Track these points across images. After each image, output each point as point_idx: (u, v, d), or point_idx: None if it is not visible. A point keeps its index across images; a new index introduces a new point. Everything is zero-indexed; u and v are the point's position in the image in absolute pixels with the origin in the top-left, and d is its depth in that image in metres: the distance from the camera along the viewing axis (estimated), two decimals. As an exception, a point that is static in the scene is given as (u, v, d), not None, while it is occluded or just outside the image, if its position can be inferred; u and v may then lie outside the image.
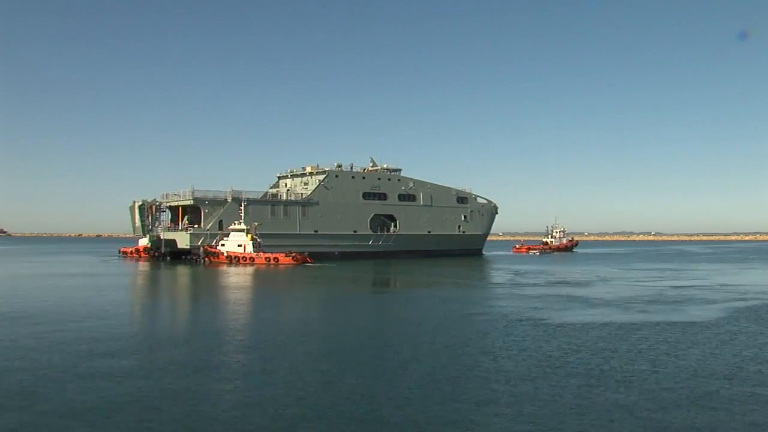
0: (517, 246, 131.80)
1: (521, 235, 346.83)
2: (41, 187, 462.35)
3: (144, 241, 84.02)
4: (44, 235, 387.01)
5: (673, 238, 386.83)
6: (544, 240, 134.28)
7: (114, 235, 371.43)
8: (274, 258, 70.11)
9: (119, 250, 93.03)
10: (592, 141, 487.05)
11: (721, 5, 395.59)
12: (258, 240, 73.90)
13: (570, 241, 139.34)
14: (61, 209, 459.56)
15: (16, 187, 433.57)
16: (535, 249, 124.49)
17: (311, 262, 71.31)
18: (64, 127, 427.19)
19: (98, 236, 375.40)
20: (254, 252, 71.83)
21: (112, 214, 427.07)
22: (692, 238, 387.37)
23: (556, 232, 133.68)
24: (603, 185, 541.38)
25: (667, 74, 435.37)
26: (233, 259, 71.58)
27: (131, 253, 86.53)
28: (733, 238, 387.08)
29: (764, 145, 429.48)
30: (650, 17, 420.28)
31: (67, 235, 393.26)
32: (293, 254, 71.50)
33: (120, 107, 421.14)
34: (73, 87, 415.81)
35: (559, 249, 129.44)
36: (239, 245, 72.97)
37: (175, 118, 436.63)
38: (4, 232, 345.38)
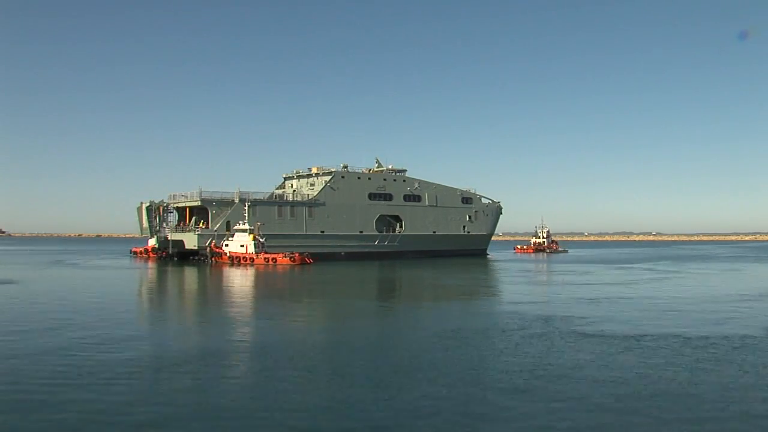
0: (519, 247, 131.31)
1: (521, 235, 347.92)
2: (41, 187, 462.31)
3: (153, 241, 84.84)
4: (44, 236, 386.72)
5: (673, 239, 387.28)
6: (534, 240, 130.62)
7: (114, 235, 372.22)
8: (273, 258, 70.54)
9: (131, 250, 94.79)
10: (592, 141, 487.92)
11: (721, 5, 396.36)
12: (261, 240, 74.12)
13: (553, 242, 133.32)
14: (61, 209, 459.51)
15: (16, 187, 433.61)
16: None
17: (311, 263, 71.56)
18: (64, 127, 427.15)
19: (98, 236, 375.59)
20: (255, 252, 72.16)
21: (111, 214, 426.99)
22: (692, 238, 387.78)
23: (544, 232, 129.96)
24: (603, 185, 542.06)
25: (667, 74, 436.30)
26: (235, 260, 72.00)
27: (141, 253, 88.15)
28: (733, 238, 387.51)
29: (764, 145, 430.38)
30: (650, 17, 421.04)
31: (66, 235, 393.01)
32: (292, 254, 71.74)
33: (122, 107, 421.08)
34: (74, 87, 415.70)
35: (544, 249, 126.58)
36: (242, 245, 73.31)
37: (179, 119, 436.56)
38: (3, 232, 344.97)
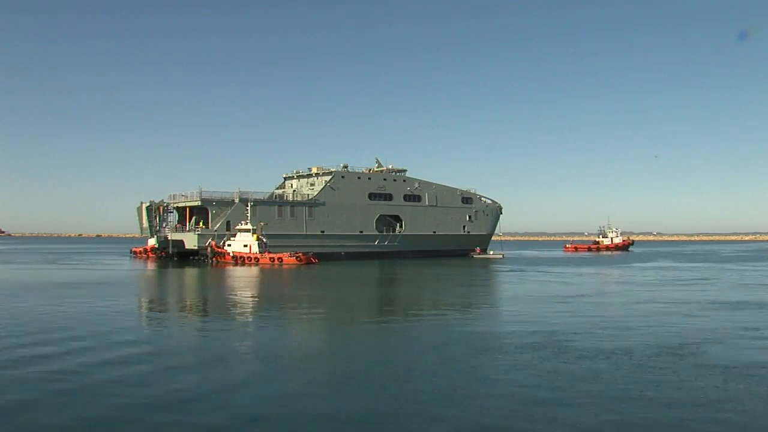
0: (568, 245, 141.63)
1: (521, 235, 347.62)
2: (41, 187, 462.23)
3: (153, 241, 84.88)
4: (44, 236, 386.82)
5: (673, 238, 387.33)
6: (596, 240, 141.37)
7: (114, 235, 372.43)
8: (278, 258, 70.82)
9: (130, 250, 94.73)
10: (592, 141, 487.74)
11: (721, 5, 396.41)
12: (264, 240, 74.48)
13: (626, 240, 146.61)
14: (61, 209, 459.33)
15: (16, 187, 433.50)
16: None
17: (316, 262, 72.18)
18: (64, 127, 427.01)
19: (98, 236, 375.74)
20: (259, 252, 72.40)
21: (111, 214, 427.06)
22: (692, 238, 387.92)
23: (611, 233, 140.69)
24: (603, 185, 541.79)
25: (667, 74, 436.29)
26: (239, 259, 72.14)
27: (140, 253, 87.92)
28: (733, 238, 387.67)
29: (764, 145, 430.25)
30: (650, 17, 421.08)
31: (66, 235, 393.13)
32: (297, 255, 72.23)
33: (122, 107, 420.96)
34: (74, 87, 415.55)
35: (617, 247, 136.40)
36: (245, 245, 73.56)
37: (179, 119, 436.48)
38: (3, 232, 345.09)
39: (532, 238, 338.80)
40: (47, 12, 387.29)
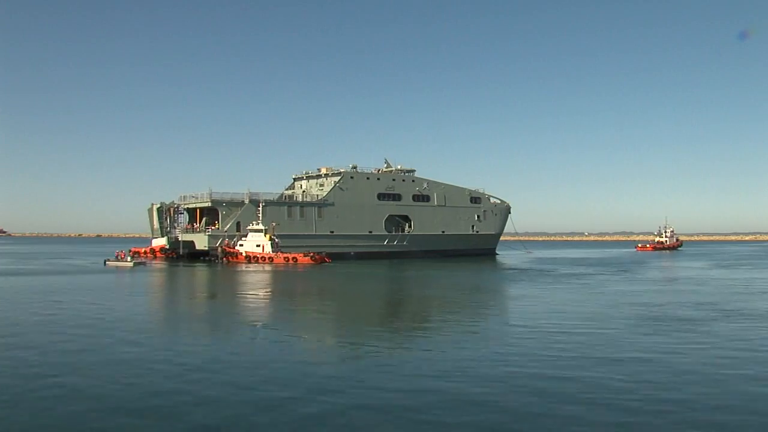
0: (639, 245, 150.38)
1: (521, 235, 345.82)
2: (41, 187, 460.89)
3: (159, 242, 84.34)
4: (44, 235, 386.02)
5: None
6: (658, 239, 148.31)
7: (114, 235, 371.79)
8: (293, 258, 71.34)
9: (130, 250, 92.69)
10: (592, 141, 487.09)
11: (721, 5, 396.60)
12: (276, 240, 74.81)
13: (677, 241, 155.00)
14: (61, 209, 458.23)
15: (16, 187, 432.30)
16: None
17: (329, 261, 72.90)
18: (65, 127, 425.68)
19: (98, 236, 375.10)
20: (272, 252, 72.66)
21: (112, 214, 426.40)
22: (692, 238, 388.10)
23: (668, 232, 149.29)
24: (603, 185, 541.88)
25: (666, 74, 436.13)
26: (252, 259, 72.26)
27: (143, 253, 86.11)
28: (733, 238, 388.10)
29: (764, 145, 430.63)
30: (650, 17, 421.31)
31: (67, 235, 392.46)
32: (312, 254, 72.56)
33: (126, 107, 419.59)
34: (75, 86, 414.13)
35: (669, 247, 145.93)
36: (258, 245, 73.88)
37: (187, 120, 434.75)
38: (4, 232, 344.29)
39: (532, 238, 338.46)
40: (47, 12, 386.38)
